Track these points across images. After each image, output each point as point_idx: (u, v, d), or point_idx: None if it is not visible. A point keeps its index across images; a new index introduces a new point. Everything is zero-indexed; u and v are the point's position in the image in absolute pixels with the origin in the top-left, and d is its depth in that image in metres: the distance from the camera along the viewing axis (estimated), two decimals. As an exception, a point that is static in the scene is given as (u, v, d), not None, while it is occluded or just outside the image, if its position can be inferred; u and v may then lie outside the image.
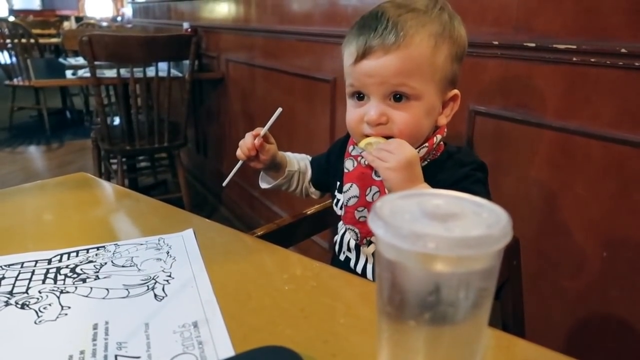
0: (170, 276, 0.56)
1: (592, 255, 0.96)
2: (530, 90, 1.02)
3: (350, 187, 0.78)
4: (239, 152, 0.83)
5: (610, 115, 0.89)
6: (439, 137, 0.75)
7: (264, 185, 0.92)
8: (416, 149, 0.73)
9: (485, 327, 0.35)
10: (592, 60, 0.89)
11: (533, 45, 0.98)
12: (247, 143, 0.81)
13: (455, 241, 0.31)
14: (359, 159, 0.78)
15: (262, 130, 0.81)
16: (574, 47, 0.91)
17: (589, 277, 0.98)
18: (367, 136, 0.73)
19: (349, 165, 0.80)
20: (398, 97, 0.70)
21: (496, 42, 1.04)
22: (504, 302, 0.86)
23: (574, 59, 0.92)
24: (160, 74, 2.20)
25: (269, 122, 0.81)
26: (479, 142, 1.14)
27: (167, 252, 0.62)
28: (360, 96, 0.73)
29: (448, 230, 0.32)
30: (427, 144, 0.74)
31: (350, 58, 0.72)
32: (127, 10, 5.91)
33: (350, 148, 0.81)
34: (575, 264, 1.00)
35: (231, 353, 0.43)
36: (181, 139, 2.39)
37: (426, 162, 0.75)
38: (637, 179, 0.87)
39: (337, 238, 0.86)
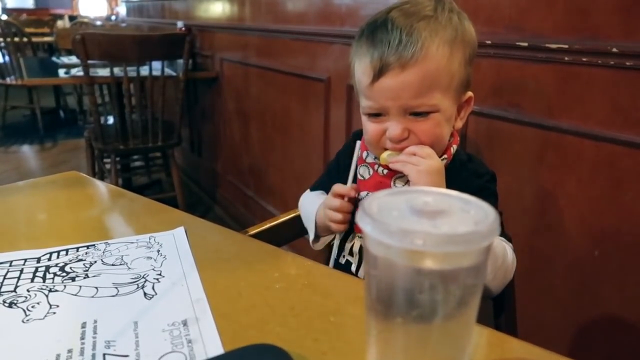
0: (160, 275, 0.56)
1: (583, 254, 0.97)
2: (523, 89, 1.02)
3: (366, 195, 0.76)
4: (335, 227, 0.75)
5: (602, 114, 0.89)
6: (455, 147, 0.75)
7: (318, 245, 0.85)
8: None
9: (473, 324, 0.35)
10: (584, 59, 0.90)
11: (525, 44, 0.98)
12: (343, 207, 0.73)
13: (443, 238, 0.31)
14: (375, 166, 0.76)
15: (349, 180, 0.74)
16: (566, 46, 0.92)
17: (581, 275, 0.98)
18: (386, 149, 0.72)
19: (364, 172, 0.78)
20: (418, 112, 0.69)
21: (489, 42, 1.04)
22: (495, 300, 0.86)
23: (566, 58, 0.92)
24: (154, 73, 2.19)
25: (353, 162, 0.75)
26: (472, 141, 1.15)
27: (158, 251, 0.61)
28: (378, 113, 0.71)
29: (436, 227, 0.33)
30: (446, 155, 0.73)
31: (365, 77, 0.69)
32: (121, 9, 5.89)
33: (364, 154, 0.79)
34: (566, 263, 1.00)
35: (220, 351, 0.43)
36: (175, 138, 2.38)
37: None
38: (629, 177, 0.88)
39: (336, 241, 0.82)
